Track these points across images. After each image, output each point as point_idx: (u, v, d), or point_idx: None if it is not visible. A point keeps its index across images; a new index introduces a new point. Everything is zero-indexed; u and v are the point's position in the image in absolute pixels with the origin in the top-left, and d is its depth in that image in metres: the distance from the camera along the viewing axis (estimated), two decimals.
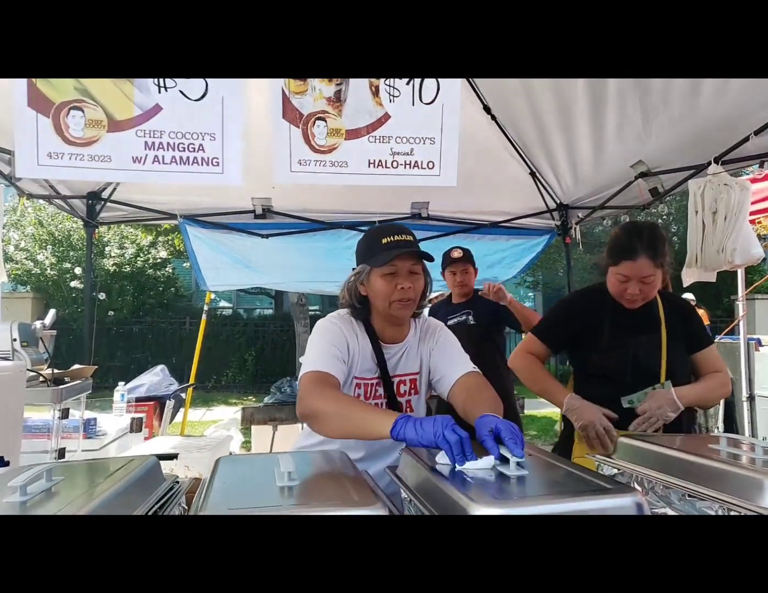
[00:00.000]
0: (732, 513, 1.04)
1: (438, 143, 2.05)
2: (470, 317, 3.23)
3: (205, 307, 5.78)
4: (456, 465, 1.10)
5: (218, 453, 3.64)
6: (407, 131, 2.04)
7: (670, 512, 1.19)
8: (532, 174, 4.02)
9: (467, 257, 3.27)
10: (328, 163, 2.04)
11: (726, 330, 5.71)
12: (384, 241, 1.54)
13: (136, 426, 3.58)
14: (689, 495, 1.14)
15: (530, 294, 17.12)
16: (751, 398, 4.40)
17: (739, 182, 2.53)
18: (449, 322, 3.17)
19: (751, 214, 3.04)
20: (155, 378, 5.99)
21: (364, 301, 1.63)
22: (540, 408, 7.72)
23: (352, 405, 1.38)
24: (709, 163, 2.65)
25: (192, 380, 5.72)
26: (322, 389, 1.42)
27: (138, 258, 11.89)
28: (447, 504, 0.99)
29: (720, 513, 1.06)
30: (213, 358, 11.77)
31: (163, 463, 2.90)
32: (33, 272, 11.35)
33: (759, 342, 5.24)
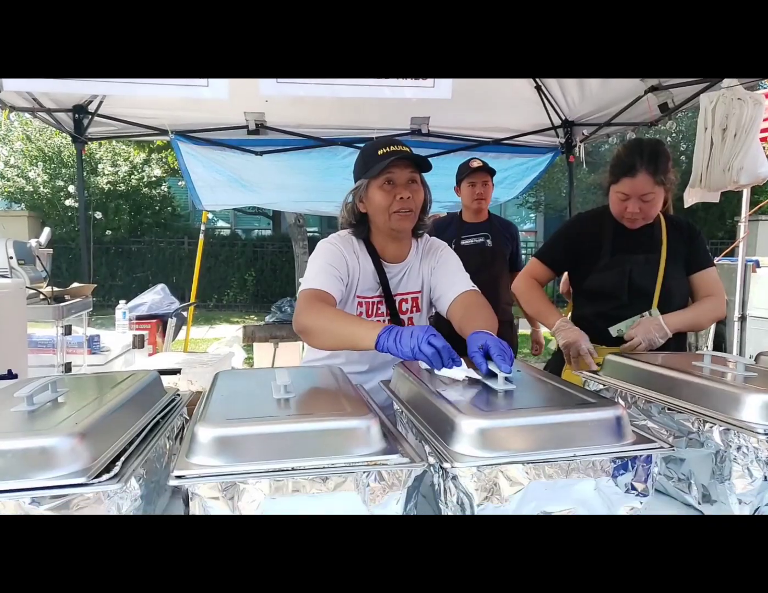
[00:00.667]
0: (707, 424, 1.09)
1: None
2: (488, 240, 3.03)
3: (202, 227, 5.74)
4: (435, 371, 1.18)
5: (220, 368, 3.74)
6: None
7: (651, 424, 1.25)
8: (538, 88, 3.88)
9: (488, 168, 3.00)
10: None
11: (726, 252, 5.71)
12: (380, 152, 1.54)
13: (138, 342, 3.66)
14: (668, 409, 1.19)
15: (532, 215, 16.95)
16: (743, 318, 4.47)
17: (754, 96, 2.43)
18: (463, 243, 3.05)
19: (762, 131, 2.95)
20: (156, 297, 6.06)
21: (364, 219, 1.63)
22: None
23: (341, 320, 1.41)
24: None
25: (192, 299, 5.78)
26: (316, 305, 1.46)
27: (132, 176, 11.69)
28: (436, 415, 1.04)
29: (696, 425, 1.11)
30: (213, 278, 11.85)
31: (166, 378, 2.99)
32: (26, 190, 11.20)
33: (757, 264, 5.25)
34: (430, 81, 1.54)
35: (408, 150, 1.56)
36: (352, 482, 0.86)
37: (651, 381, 1.29)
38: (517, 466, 0.89)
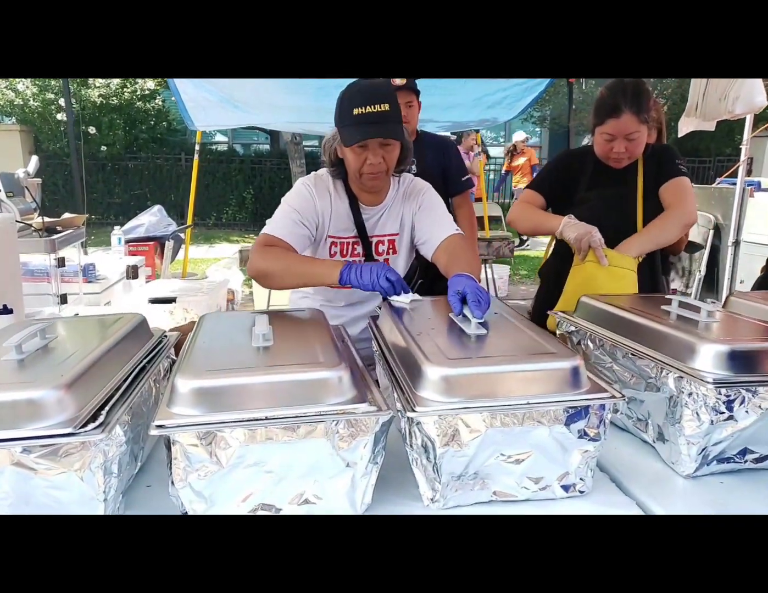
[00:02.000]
0: (663, 371, 1.15)
1: None
2: (413, 165, 2.56)
3: (197, 146, 5.63)
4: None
5: (216, 296, 3.82)
6: None
7: (616, 367, 1.31)
8: None
9: (410, 86, 2.51)
10: None
11: (726, 174, 5.61)
12: (355, 112, 1.47)
13: (132, 273, 3.69)
14: (631, 354, 1.24)
15: (537, 129, 16.48)
16: (737, 243, 4.46)
17: None
18: None
19: None
20: (153, 219, 6.04)
21: (342, 162, 1.62)
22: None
23: (296, 261, 1.53)
24: None
25: (189, 221, 5.77)
26: (267, 250, 1.54)
27: (125, 89, 11.28)
28: (407, 361, 1.10)
29: (654, 371, 1.17)
30: (212, 196, 11.71)
31: (161, 306, 3.05)
32: (16, 103, 10.85)
33: (758, 187, 5.17)
34: None
35: (387, 108, 1.46)
36: (322, 430, 0.93)
37: (618, 326, 1.34)
38: (475, 414, 0.96)
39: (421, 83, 3.92)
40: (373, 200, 1.68)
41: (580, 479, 1.05)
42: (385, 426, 0.98)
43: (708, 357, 1.09)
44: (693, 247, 4.47)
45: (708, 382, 1.05)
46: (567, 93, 4.52)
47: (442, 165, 2.59)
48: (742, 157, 4.38)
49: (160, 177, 11.73)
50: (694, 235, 4.93)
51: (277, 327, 1.18)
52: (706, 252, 4.77)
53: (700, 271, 4.75)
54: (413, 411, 0.95)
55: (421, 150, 2.51)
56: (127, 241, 5.09)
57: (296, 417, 0.91)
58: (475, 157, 7.34)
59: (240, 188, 12.07)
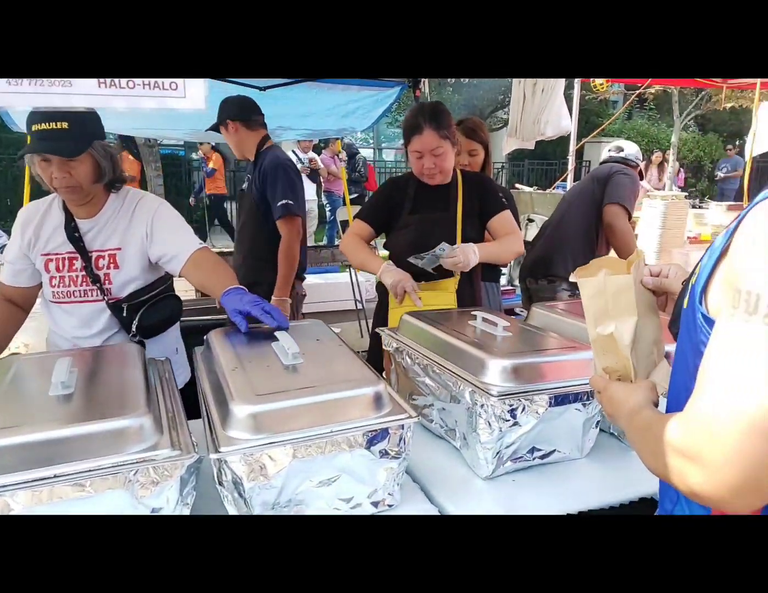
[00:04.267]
0: (461, 385, 1.27)
1: None
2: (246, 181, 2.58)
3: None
4: None
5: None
6: None
7: (428, 381, 1.42)
8: None
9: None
10: None
11: (561, 178, 6.21)
12: (33, 128, 1.51)
13: None
14: (437, 370, 1.36)
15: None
16: None
17: None
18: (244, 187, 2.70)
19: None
20: None
21: None
22: None
23: None
24: None
25: None
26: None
27: None
28: (218, 398, 1.11)
29: (456, 385, 1.29)
30: None
31: None
32: None
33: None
34: (180, 90, 1.45)
35: (65, 126, 1.49)
36: (120, 480, 0.92)
37: (431, 342, 1.45)
38: (279, 447, 1.00)
39: (275, 93, 3.93)
40: (84, 213, 1.67)
41: (389, 494, 1.14)
42: (193, 468, 0.99)
43: (495, 372, 1.23)
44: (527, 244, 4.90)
45: (493, 395, 1.18)
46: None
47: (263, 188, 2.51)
48: (570, 166, 4.90)
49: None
50: (531, 235, 5.42)
51: (83, 369, 1.15)
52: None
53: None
54: (217, 451, 0.97)
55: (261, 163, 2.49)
56: None
57: (91, 470, 0.90)
58: (340, 161, 7.53)
59: None
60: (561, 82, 2.54)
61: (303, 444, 1.01)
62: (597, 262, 0.95)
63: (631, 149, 2.87)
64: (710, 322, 0.69)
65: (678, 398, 0.71)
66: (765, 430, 0.59)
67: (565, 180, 6.15)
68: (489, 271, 2.54)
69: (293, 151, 6.64)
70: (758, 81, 4.63)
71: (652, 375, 0.91)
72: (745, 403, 0.60)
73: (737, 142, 13.10)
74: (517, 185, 7.92)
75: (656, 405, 0.84)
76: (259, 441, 0.99)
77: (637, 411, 0.81)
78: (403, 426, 1.10)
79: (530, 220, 5.90)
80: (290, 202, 2.37)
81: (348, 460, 1.06)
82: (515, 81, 2.66)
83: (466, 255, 1.87)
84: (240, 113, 2.56)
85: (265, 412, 1.03)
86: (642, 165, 2.92)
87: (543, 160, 13.58)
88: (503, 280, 5.28)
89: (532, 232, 5.72)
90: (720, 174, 11.12)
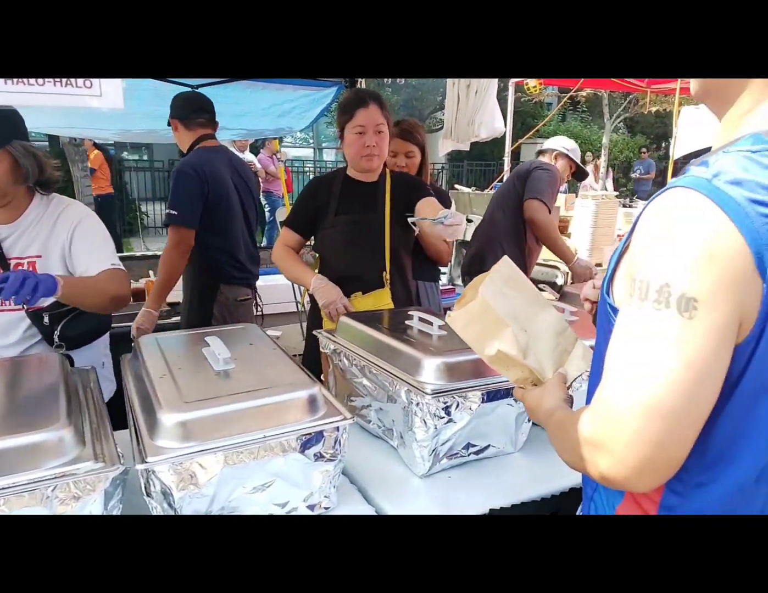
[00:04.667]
0: (397, 384, 1.28)
1: None
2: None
3: None
4: None
5: None
6: None
7: (365, 382, 1.42)
8: None
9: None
10: None
11: (498, 178, 6.36)
12: None
13: None
14: (373, 370, 1.37)
15: None
16: None
17: None
18: None
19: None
20: None
21: None
22: None
23: None
24: None
25: None
26: None
27: None
28: (145, 408, 1.08)
29: (392, 384, 1.30)
30: None
31: None
32: None
33: None
34: (95, 88, 1.41)
35: None
36: (37, 497, 0.87)
37: (368, 343, 1.45)
38: (209, 455, 0.98)
39: (207, 91, 3.83)
40: (3, 217, 1.59)
41: (325, 497, 1.13)
42: (119, 481, 0.96)
43: (429, 370, 1.24)
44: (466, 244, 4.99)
45: (427, 393, 1.19)
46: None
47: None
48: (506, 167, 5.03)
49: None
50: (470, 235, 5.53)
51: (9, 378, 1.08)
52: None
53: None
54: (144, 462, 0.94)
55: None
56: None
57: (1, 489, 0.85)
58: (278, 161, 7.42)
59: None
60: (494, 85, 2.60)
61: (234, 450, 0.99)
62: (470, 286, 0.99)
63: (551, 144, 2.97)
64: (616, 311, 0.73)
65: (595, 386, 0.75)
66: (660, 413, 0.63)
67: (501, 180, 6.31)
68: (427, 270, 2.57)
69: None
70: (678, 86, 4.89)
71: (566, 365, 0.95)
72: (641, 389, 0.64)
73: (663, 144, 13.83)
74: (456, 186, 8.05)
75: (570, 398, 0.87)
76: (188, 450, 0.97)
77: (550, 414, 0.85)
78: (338, 429, 1.10)
79: (469, 221, 6.02)
80: (173, 212, 2.26)
81: (282, 465, 1.05)
82: (449, 83, 2.70)
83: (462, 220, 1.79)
84: (178, 111, 2.47)
85: (194, 420, 1.00)
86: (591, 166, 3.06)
87: (481, 161, 13.87)
88: (444, 279, 5.37)
89: (470, 232, 5.86)
90: (634, 175, 11.76)
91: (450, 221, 1.60)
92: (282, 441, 1.03)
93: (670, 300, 0.63)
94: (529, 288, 1.02)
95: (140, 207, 11.67)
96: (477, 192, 5.93)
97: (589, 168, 10.53)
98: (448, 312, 1.36)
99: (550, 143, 3.02)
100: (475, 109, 2.61)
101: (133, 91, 3.78)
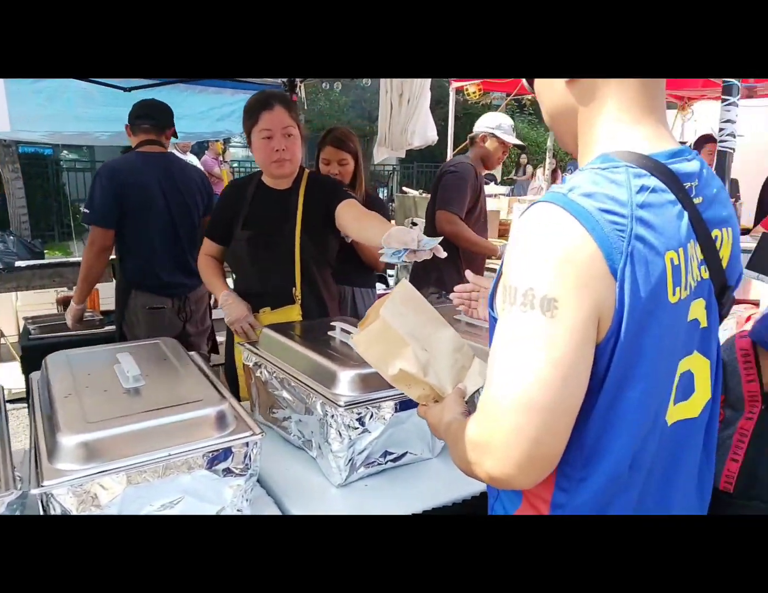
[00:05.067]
0: (312, 397, 1.29)
1: None
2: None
3: None
4: None
5: None
6: None
7: (285, 394, 1.43)
8: None
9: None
10: None
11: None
12: None
13: None
14: (292, 383, 1.38)
15: None
16: None
17: None
18: None
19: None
20: None
21: None
22: None
23: None
24: None
25: None
26: None
27: None
28: (47, 428, 1.06)
29: (309, 397, 1.32)
30: None
31: None
32: None
33: None
34: None
35: None
36: None
37: (289, 355, 1.46)
38: (111, 475, 0.97)
39: (141, 94, 3.75)
40: None
41: (237, 510, 1.13)
42: (15, 505, 0.94)
43: (344, 382, 1.27)
44: None
45: (341, 405, 1.22)
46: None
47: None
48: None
49: None
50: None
51: None
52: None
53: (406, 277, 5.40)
54: (40, 486, 0.93)
55: None
56: None
57: None
58: (223, 163, 7.35)
59: None
60: (426, 94, 2.64)
61: (136, 470, 0.98)
62: (372, 308, 1.03)
63: (476, 127, 2.70)
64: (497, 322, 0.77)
65: None
66: (533, 408, 0.68)
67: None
68: (362, 276, 2.58)
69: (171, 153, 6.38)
70: None
71: (465, 381, 0.99)
72: (514, 387, 0.69)
73: None
74: (404, 188, 8.12)
75: (467, 412, 0.91)
76: (87, 472, 0.96)
77: (447, 427, 0.89)
78: (248, 444, 1.10)
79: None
80: (86, 210, 2.36)
81: (189, 482, 1.05)
82: (382, 91, 2.73)
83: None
84: (129, 117, 2.50)
85: (96, 441, 0.99)
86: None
87: (431, 163, 14.01)
88: (392, 282, 5.42)
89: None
90: (566, 175, 12.18)
91: (411, 256, 1.38)
92: (188, 458, 1.03)
93: (534, 302, 0.68)
94: (427, 308, 1.05)
95: (80, 209, 11.29)
96: (423, 195, 6.00)
97: (539, 171, 10.79)
98: (351, 334, 1.37)
99: (475, 127, 2.79)
100: (407, 117, 2.64)
101: (61, 93, 3.67)
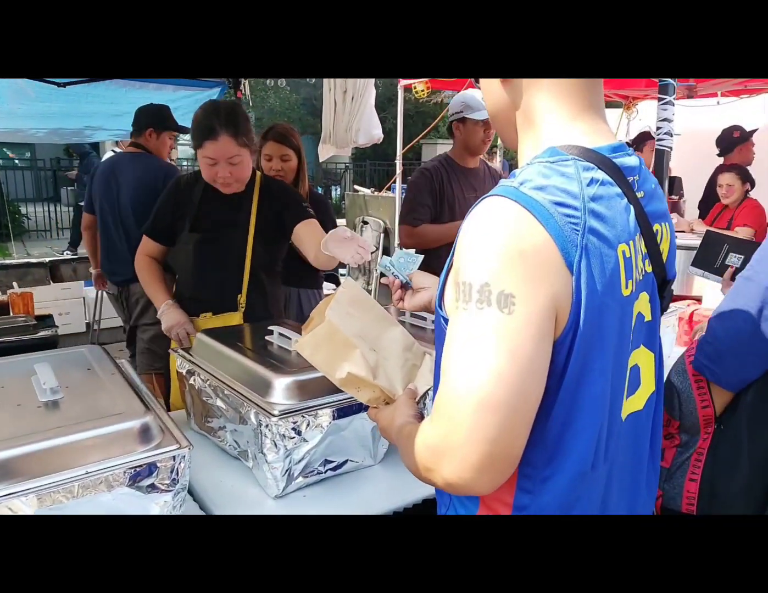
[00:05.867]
0: (246, 406, 1.25)
1: None
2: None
3: None
4: None
5: None
6: None
7: (219, 403, 1.37)
8: None
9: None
10: None
11: (393, 180, 6.44)
12: None
13: None
14: (226, 391, 1.32)
15: None
16: (401, 245, 5.21)
17: None
18: None
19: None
20: None
21: None
22: None
23: None
24: None
25: None
26: None
27: None
28: None
29: (242, 406, 1.27)
30: None
31: None
32: None
33: None
34: None
35: None
36: None
37: (223, 361, 1.41)
38: (17, 498, 0.90)
39: (77, 90, 3.59)
40: None
41: None
42: None
43: (279, 390, 1.22)
44: None
45: (275, 414, 1.17)
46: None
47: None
48: (398, 169, 5.11)
49: None
50: (366, 237, 5.59)
51: None
52: (380, 252, 5.45)
53: (376, 270, 5.39)
54: None
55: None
56: None
57: None
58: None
59: None
60: (371, 92, 2.61)
61: (47, 490, 0.92)
62: (316, 310, 1.00)
63: (451, 108, 2.47)
64: (447, 322, 0.75)
65: None
66: (491, 406, 0.65)
67: (395, 182, 6.41)
68: (307, 276, 2.52)
69: (113, 151, 6.14)
70: None
71: (416, 380, 0.96)
72: (471, 385, 0.66)
73: None
74: (356, 187, 8.09)
75: (419, 415, 0.88)
76: None
77: (399, 431, 0.86)
78: (174, 457, 1.05)
79: (365, 222, 6.08)
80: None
81: (110, 501, 0.98)
82: (325, 89, 2.69)
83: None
84: None
85: (4, 460, 0.92)
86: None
87: (384, 161, 14.01)
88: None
89: (367, 235, 5.92)
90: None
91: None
92: (107, 476, 0.97)
93: (491, 298, 0.65)
94: (374, 307, 1.02)
95: (19, 209, 10.77)
96: (375, 193, 5.98)
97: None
98: (294, 339, 1.33)
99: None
100: (352, 115, 2.61)
101: None
